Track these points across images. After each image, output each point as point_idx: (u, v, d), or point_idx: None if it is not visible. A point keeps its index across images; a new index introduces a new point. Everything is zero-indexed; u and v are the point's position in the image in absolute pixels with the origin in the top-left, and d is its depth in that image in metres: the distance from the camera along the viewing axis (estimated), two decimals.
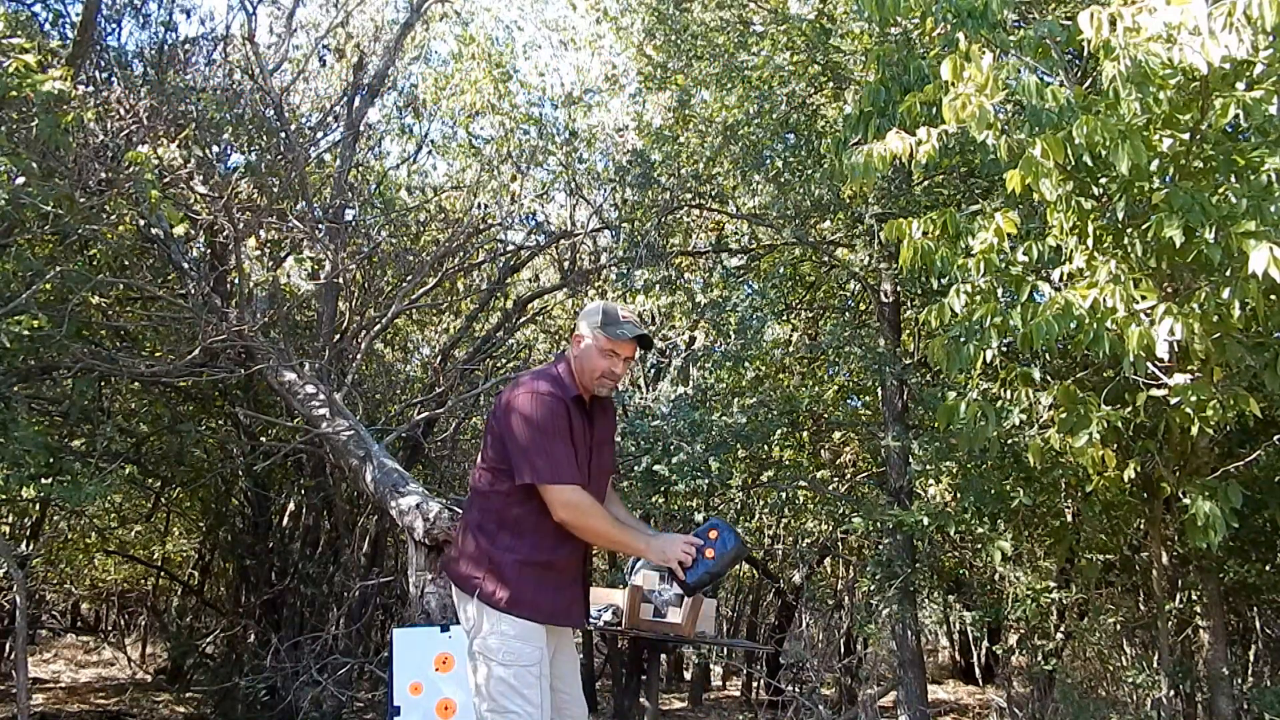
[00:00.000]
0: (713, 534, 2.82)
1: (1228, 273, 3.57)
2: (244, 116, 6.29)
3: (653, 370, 8.31)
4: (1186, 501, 4.31)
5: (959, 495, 6.63)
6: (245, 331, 5.54)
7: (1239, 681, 6.29)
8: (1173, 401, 3.96)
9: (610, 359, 2.83)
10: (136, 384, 6.50)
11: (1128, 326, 3.54)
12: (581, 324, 2.88)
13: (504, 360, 8.76)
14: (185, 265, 6.01)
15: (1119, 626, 6.82)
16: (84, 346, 5.51)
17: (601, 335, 2.82)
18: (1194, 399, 3.84)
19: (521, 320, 8.88)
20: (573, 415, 2.76)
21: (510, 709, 2.63)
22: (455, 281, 8.37)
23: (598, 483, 2.87)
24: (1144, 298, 3.66)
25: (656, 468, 6.69)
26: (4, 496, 6.62)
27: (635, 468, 6.82)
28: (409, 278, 6.94)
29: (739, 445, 7.24)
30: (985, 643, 9.74)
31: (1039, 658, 6.77)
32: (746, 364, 7.95)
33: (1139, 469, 4.81)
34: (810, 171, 7.01)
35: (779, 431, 7.74)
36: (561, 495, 2.67)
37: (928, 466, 6.70)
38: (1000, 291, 3.98)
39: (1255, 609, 6.80)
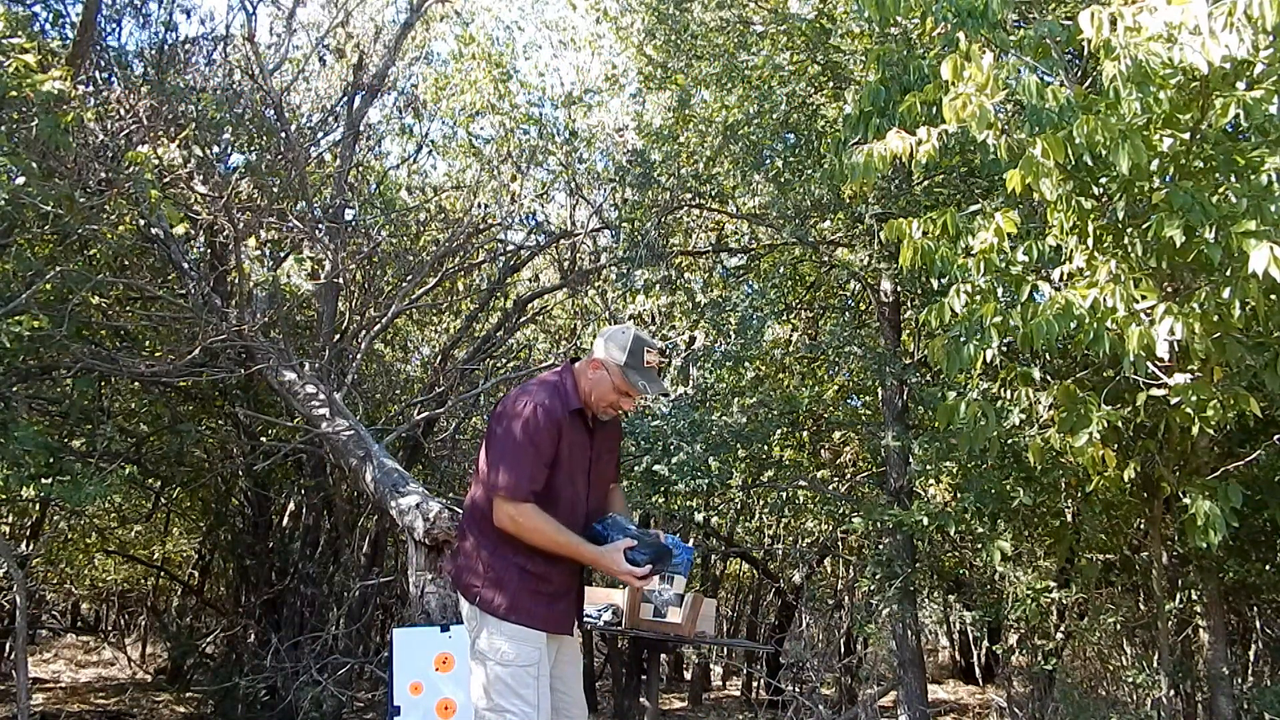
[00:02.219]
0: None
1: (1228, 272, 3.56)
2: (244, 116, 6.29)
3: None
4: (1186, 501, 4.31)
5: (959, 495, 6.62)
6: (245, 331, 5.54)
7: (1239, 681, 6.29)
8: (1173, 401, 3.96)
9: (623, 398, 2.79)
10: (136, 384, 6.49)
11: (1128, 326, 3.54)
12: (606, 350, 2.78)
13: (504, 360, 8.76)
14: (185, 265, 6.00)
15: (1119, 626, 6.82)
16: (84, 346, 5.50)
17: (622, 377, 2.75)
18: (1194, 399, 3.83)
19: (521, 320, 8.88)
20: (565, 430, 2.73)
21: (507, 708, 2.64)
22: (455, 281, 8.37)
23: (597, 490, 2.88)
24: (1144, 297, 3.66)
25: (656, 468, 6.69)
26: (4, 496, 6.62)
27: (635, 468, 6.82)
28: (409, 278, 6.94)
29: (739, 445, 7.23)
30: (985, 643, 9.74)
31: (1039, 658, 6.77)
32: (746, 364, 7.94)
33: (1139, 469, 4.81)
34: (810, 171, 7.00)
35: (779, 431, 7.73)
36: (506, 508, 2.66)
37: (928, 466, 6.69)
38: (1000, 291, 3.97)
39: (1255, 609, 6.80)
